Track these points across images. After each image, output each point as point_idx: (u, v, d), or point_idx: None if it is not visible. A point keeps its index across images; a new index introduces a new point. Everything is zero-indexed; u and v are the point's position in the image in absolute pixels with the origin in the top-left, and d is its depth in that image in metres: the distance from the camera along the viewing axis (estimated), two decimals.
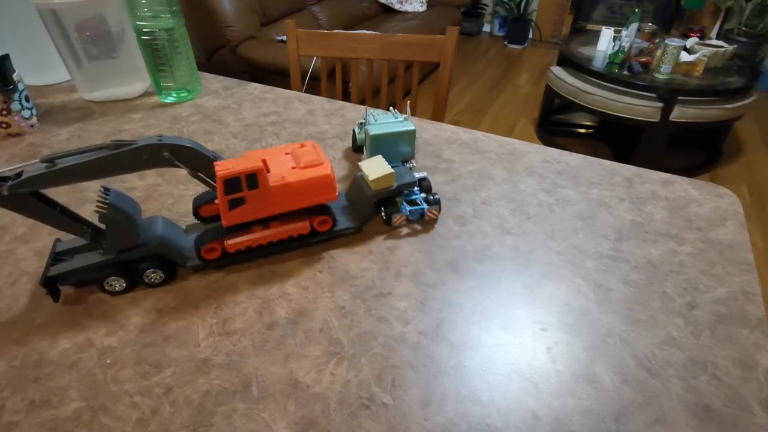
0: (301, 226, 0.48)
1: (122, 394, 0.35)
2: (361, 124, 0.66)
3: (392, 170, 0.50)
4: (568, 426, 0.34)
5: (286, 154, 0.48)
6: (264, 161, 0.47)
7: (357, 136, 0.66)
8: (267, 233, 0.47)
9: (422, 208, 0.52)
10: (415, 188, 0.54)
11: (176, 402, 0.35)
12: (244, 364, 0.38)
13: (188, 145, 0.41)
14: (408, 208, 0.52)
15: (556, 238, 0.51)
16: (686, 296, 0.44)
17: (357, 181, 0.52)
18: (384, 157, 0.60)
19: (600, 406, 0.35)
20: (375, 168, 0.50)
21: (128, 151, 0.39)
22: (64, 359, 0.38)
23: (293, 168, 0.46)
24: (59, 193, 0.58)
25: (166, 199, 0.57)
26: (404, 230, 0.52)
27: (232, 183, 0.41)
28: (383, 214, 0.52)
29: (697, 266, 0.47)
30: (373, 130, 0.58)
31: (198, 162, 0.42)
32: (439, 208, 0.53)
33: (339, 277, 0.46)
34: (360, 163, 0.51)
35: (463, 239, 0.51)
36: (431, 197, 0.53)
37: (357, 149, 0.67)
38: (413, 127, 0.59)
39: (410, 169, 0.58)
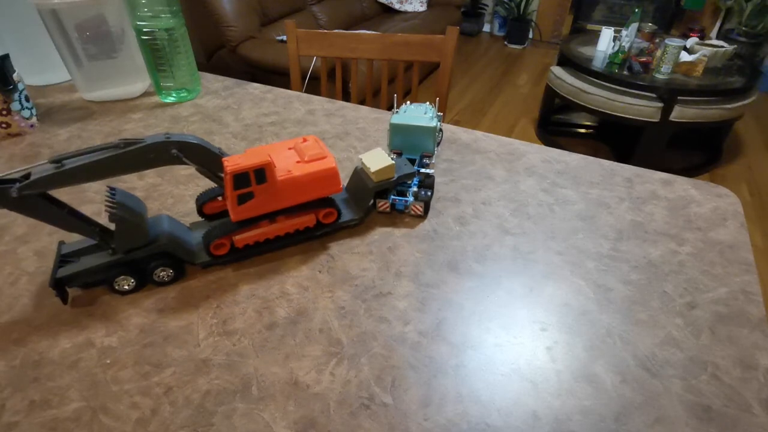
0: (307, 219, 0.49)
1: (122, 394, 0.35)
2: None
3: (392, 161, 0.51)
4: (568, 426, 0.34)
5: (289, 149, 0.49)
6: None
7: None
8: (274, 227, 0.47)
9: (406, 200, 0.53)
10: (413, 181, 0.55)
11: (176, 402, 0.35)
12: (244, 364, 0.38)
13: (195, 142, 0.42)
14: (393, 197, 0.53)
15: (556, 238, 0.51)
16: (686, 296, 0.44)
17: (357, 173, 0.53)
18: (404, 147, 0.62)
19: (600, 406, 0.35)
20: (376, 160, 0.51)
21: (136, 149, 0.39)
22: (64, 359, 0.38)
23: (298, 162, 0.47)
24: (59, 194, 0.58)
25: (166, 198, 0.57)
26: (403, 229, 0.52)
27: (241, 178, 0.42)
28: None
29: (697, 266, 0.47)
30: (395, 119, 0.60)
31: (205, 158, 0.43)
32: (425, 206, 0.53)
33: (339, 277, 0.46)
34: (361, 156, 0.52)
35: (463, 239, 0.51)
36: (422, 193, 0.53)
37: None
38: (434, 124, 0.59)
39: (426, 165, 0.59)
